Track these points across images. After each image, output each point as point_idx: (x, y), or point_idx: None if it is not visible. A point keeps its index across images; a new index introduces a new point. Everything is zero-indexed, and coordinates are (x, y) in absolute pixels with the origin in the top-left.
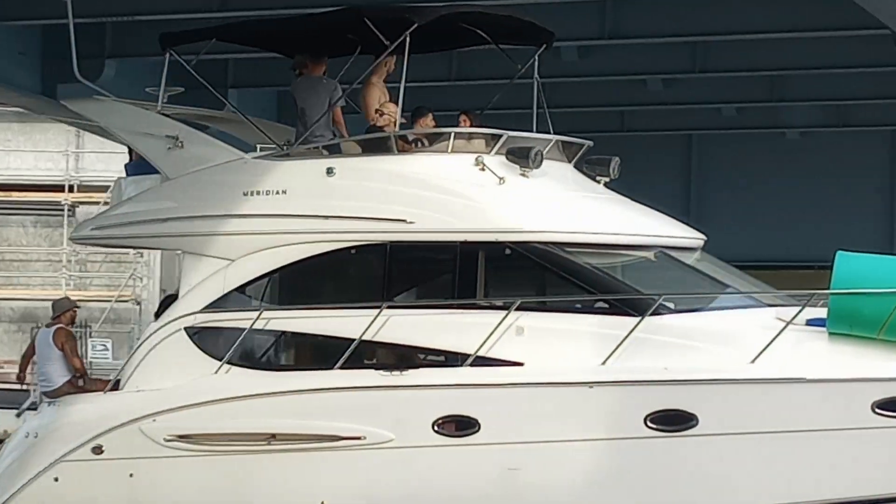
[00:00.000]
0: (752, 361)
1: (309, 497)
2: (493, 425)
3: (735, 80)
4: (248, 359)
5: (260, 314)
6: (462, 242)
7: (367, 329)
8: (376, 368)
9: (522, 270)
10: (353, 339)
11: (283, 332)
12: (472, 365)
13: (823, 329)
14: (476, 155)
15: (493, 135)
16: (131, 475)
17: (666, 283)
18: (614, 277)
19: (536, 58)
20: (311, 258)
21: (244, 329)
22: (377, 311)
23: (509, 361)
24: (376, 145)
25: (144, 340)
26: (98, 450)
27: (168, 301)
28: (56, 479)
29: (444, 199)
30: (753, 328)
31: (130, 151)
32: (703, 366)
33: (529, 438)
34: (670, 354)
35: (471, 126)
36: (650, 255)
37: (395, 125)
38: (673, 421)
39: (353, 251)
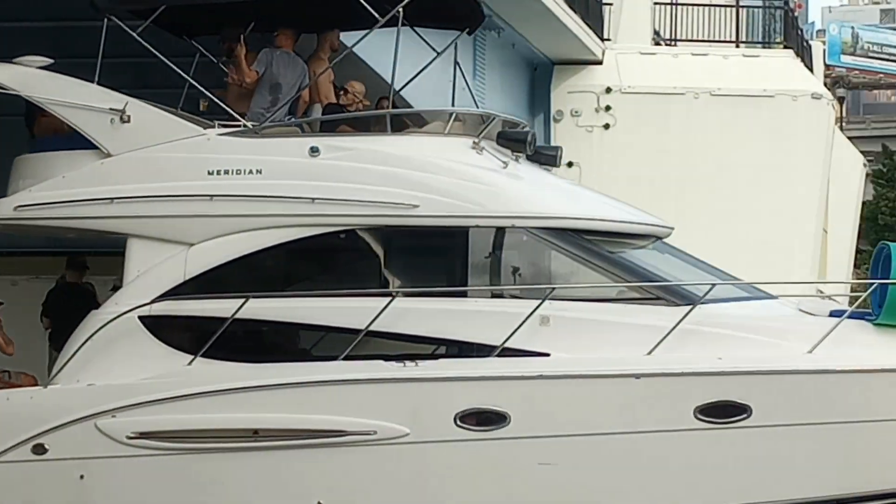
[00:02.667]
0: (810, 351)
1: (302, 498)
2: (525, 418)
3: None
4: (225, 350)
5: (245, 301)
6: (473, 227)
7: (376, 317)
8: (386, 359)
9: (540, 257)
10: (355, 329)
11: (270, 321)
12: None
13: (863, 320)
14: (472, 138)
15: (484, 116)
16: (82, 477)
17: (677, 272)
18: (638, 265)
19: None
20: (290, 243)
21: (216, 318)
22: (387, 298)
23: (534, 352)
24: (366, 124)
25: (85, 330)
26: (39, 449)
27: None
28: None
29: (452, 182)
30: (788, 319)
31: (30, 127)
32: (759, 356)
33: (566, 431)
34: (719, 344)
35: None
36: (649, 243)
37: (360, 105)
38: (725, 413)
39: (341, 236)
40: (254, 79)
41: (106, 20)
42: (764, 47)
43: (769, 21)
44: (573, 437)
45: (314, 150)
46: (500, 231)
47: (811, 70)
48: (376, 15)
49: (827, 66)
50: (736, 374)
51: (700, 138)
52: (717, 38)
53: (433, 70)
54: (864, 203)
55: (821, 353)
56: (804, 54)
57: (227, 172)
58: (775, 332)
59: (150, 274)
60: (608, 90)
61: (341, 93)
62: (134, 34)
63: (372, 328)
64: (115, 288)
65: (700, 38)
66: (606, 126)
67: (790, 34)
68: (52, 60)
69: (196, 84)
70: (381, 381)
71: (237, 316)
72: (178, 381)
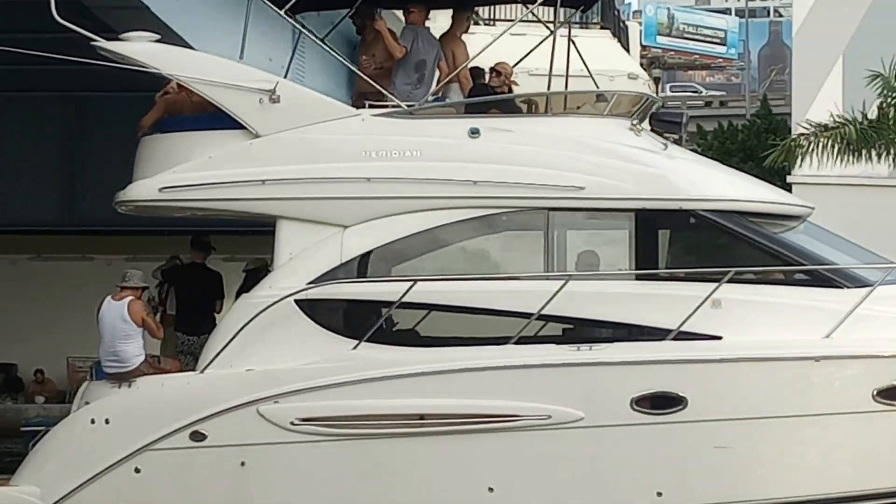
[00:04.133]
0: None
1: (472, 484)
2: (703, 402)
3: None
4: (390, 334)
5: (413, 285)
6: (639, 210)
7: (550, 300)
8: (558, 343)
9: (707, 240)
10: (526, 312)
11: (438, 305)
12: (671, 339)
13: None
14: (627, 119)
15: (640, 97)
16: (243, 464)
17: (837, 253)
18: (804, 247)
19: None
20: (451, 224)
21: (380, 301)
22: (561, 282)
23: (706, 335)
24: (522, 106)
25: (238, 314)
26: (198, 436)
27: (253, 276)
28: (138, 470)
29: (618, 164)
30: None
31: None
32: None
33: (742, 415)
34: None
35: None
36: (800, 223)
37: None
38: None
39: (504, 218)
40: (402, 54)
41: None
42: (581, 28)
43: None
44: (750, 420)
45: (474, 132)
46: (668, 214)
47: (628, 50)
48: None
49: (643, 47)
50: None
51: None
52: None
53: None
54: None
55: None
56: (621, 35)
57: (383, 154)
58: None
59: (303, 256)
60: None
61: (493, 75)
62: (281, 13)
63: (544, 312)
64: (253, 270)
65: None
66: None
67: (607, 15)
68: (159, 35)
69: (346, 61)
70: (556, 365)
71: (390, 299)
72: (345, 365)
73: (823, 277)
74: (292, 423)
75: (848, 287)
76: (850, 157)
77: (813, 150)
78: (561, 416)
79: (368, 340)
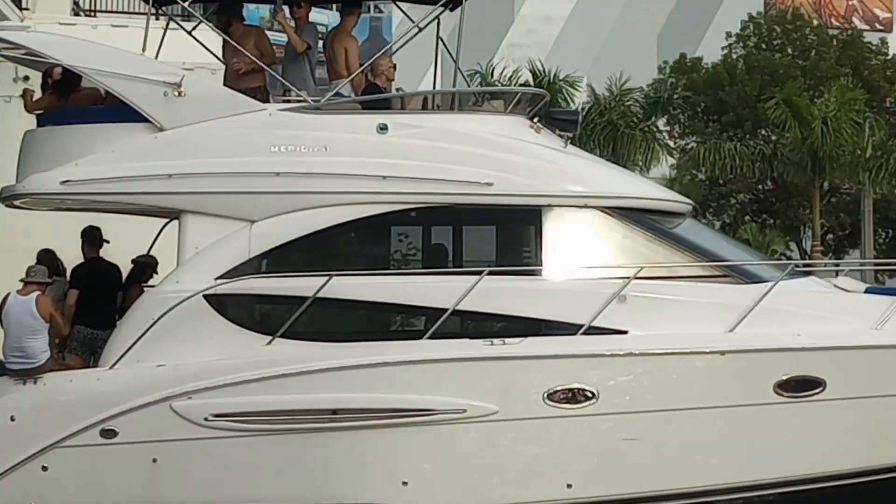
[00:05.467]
0: (878, 328)
1: (386, 478)
2: (612, 395)
3: None
4: (304, 329)
5: (329, 279)
6: (545, 206)
7: (464, 295)
8: (469, 338)
9: (611, 235)
10: (439, 308)
11: (352, 300)
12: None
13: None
14: (523, 116)
15: (534, 95)
16: (155, 460)
17: (724, 249)
18: (698, 243)
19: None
20: (360, 220)
21: (292, 297)
22: (476, 276)
23: (612, 330)
24: (433, 103)
25: (143, 309)
26: (108, 433)
27: (141, 266)
28: (45, 468)
29: (527, 161)
30: (839, 296)
31: (61, 94)
32: (834, 332)
33: (651, 407)
34: (791, 321)
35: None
36: (683, 220)
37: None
38: (803, 387)
39: (412, 213)
40: (303, 49)
41: None
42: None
43: None
44: (656, 413)
45: (383, 128)
46: (574, 210)
47: None
48: None
49: None
50: (816, 349)
51: None
52: (137, 11)
53: None
54: None
55: (888, 328)
56: None
57: (290, 148)
58: (836, 308)
59: (210, 251)
60: None
61: (368, 71)
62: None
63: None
64: (138, 261)
65: (121, 9)
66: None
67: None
68: (30, 26)
69: (256, 60)
70: (471, 359)
71: (296, 294)
72: (259, 361)
73: (724, 273)
74: (206, 419)
75: (747, 283)
76: None
77: None
78: (476, 410)
79: (282, 336)
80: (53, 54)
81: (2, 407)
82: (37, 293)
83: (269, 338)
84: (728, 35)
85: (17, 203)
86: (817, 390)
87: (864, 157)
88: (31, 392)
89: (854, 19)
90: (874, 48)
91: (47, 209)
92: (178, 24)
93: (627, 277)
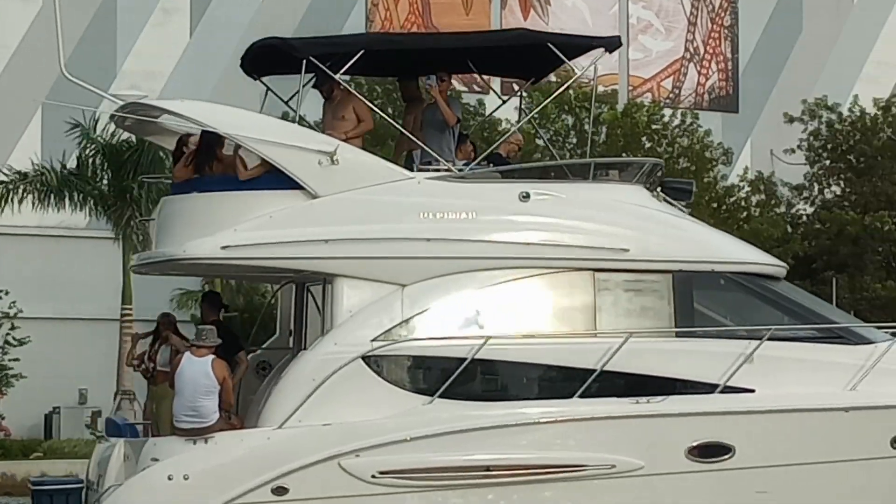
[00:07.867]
0: None
1: None
2: (747, 450)
3: None
4: (460, 389)
5: (486, 341)
6: (677, 272)
7: (612, 356)
8: (615, 396)
9: (732, 300)
10: (588, 368)
11: (506, 361)
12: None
13: None
14: (641, 185)
15: (654, 165)
16: None
17: (827, 311)
18: (808, 306)
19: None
20: (504, 283)
21: (449, 358)
22: (622, 339)
23: (741, 388)
24: (567, 172)
25: (301, 371)
26: (280, 490)
27: (166, 320)
28: None
29: (659, 228)
30: None
31: (202, 165)
32: None
33: (780, 461)
34: None
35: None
36: (780, 282)
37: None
38: None
39: (555, 278)
40: (454, 122)
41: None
42: None
43: None
44: (787, 467)
45: (525, 196)
46: (702, 275)
47: None
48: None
49: None
50: None
51: None
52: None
53: None
54: None
55: None
56: None
57: (439, 215)
58: None
59: (364, 314)
60: None
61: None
62: (335, 76)
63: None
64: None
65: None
66: None
67: None
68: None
69: (404, 131)
70: (621, 417)
71: (454, 355)
72: (420, 420)
73: (836, 334)
74: (373, 476)
75: (856, 343)
76: (51, 207)
77: (12, 198)
78: (624, 465)
79: (441, 396)
80: (210, 123)
81: (175, 465)
82: (212, 357)
83: (426, 398)
84: None
85: (168, 269)
86: None
87: None
88: (203, 451)
89: None
90: None
91: (199, 275)
92: (277, 96)
93: (754, 338)
